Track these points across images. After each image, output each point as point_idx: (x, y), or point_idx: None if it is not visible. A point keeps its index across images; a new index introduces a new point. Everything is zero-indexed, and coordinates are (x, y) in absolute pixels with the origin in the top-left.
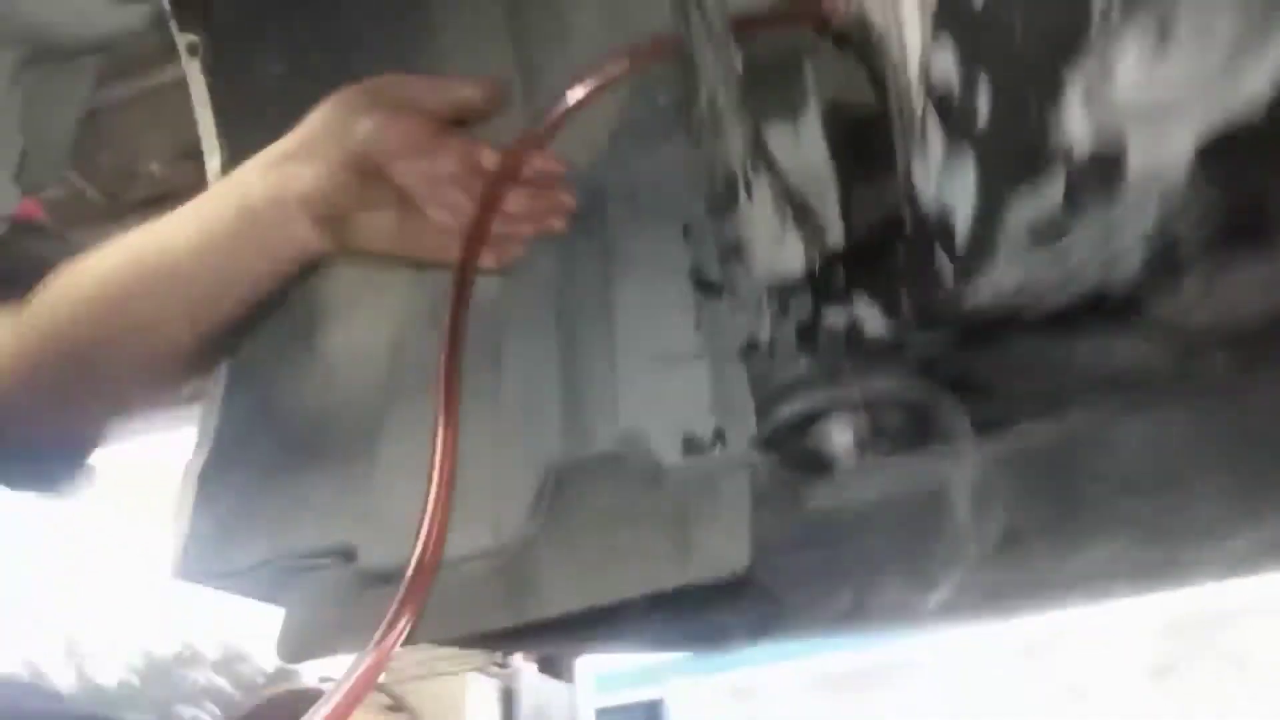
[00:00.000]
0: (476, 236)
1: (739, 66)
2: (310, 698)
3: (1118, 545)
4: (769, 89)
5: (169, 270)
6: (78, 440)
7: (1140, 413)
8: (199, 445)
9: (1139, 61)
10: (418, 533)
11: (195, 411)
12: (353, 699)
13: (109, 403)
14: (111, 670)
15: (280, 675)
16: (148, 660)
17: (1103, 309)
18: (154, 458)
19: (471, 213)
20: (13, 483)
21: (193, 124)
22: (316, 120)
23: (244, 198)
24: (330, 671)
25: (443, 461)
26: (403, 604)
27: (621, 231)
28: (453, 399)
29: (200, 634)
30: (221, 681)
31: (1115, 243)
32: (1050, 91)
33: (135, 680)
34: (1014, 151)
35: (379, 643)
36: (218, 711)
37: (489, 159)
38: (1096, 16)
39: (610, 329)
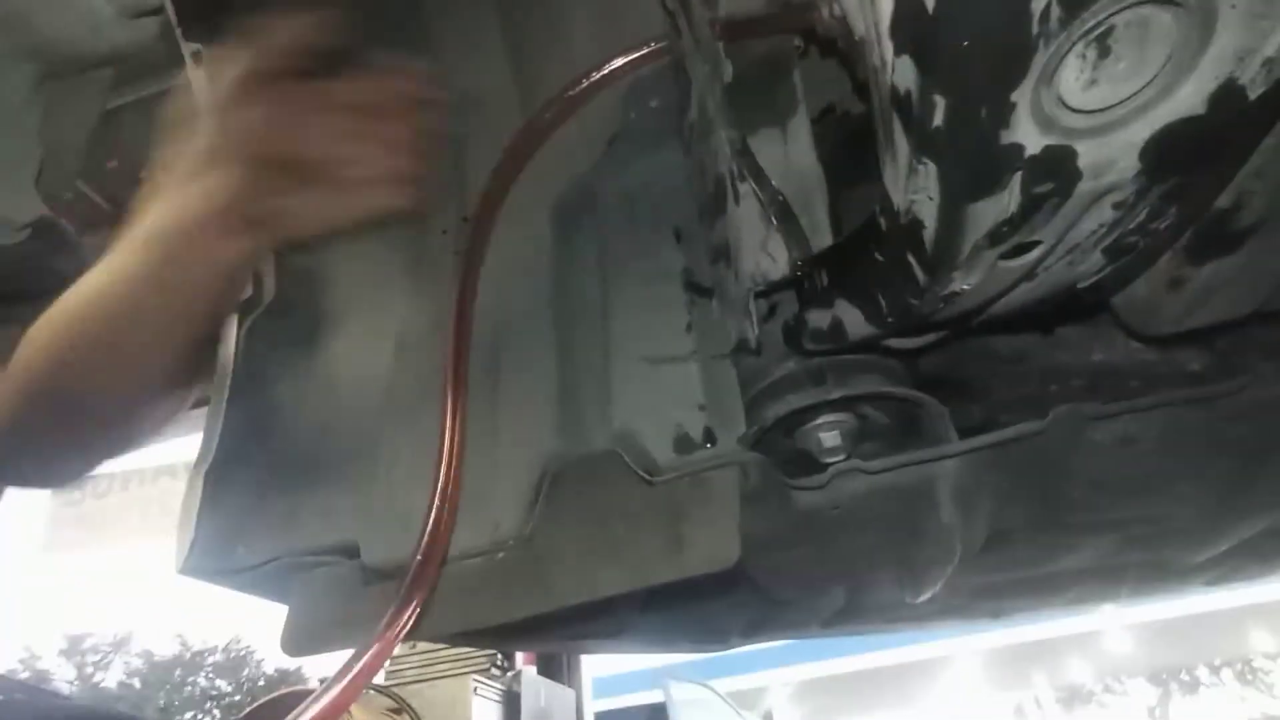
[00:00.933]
0: (478, 240)
1: (727, 75)
2: None
3: (1103, 547)
4: (758, 96)
5: (132, 302)
6: (78, 463)
7: (1118, 415)
8: (205, 446)
9: (1081, 77)
10: (424, 522)
11: (199, 417)
12: (357, 685)
13: (105, 430)
14: (112, 671)
15: (282, 678)
16: (149, 662)
17: (1076, 310)
18: (159, 462)
19: (378, 154)
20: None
21: None
22: (213, 130)
23: (177, 219)
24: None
25: (450, 452)
26: (410, 592)
27: (616, 234)
28: (460, 390)
29: (202, 637)
30: (223, 684)
31: (1075, 240)
32: (1000, 101)
33: (136, 683)
34: (971, 158)
35: (385, 630)
36: (219, 715)
37: (359, 92)
38: (1038, 35)
39: (605, 330)
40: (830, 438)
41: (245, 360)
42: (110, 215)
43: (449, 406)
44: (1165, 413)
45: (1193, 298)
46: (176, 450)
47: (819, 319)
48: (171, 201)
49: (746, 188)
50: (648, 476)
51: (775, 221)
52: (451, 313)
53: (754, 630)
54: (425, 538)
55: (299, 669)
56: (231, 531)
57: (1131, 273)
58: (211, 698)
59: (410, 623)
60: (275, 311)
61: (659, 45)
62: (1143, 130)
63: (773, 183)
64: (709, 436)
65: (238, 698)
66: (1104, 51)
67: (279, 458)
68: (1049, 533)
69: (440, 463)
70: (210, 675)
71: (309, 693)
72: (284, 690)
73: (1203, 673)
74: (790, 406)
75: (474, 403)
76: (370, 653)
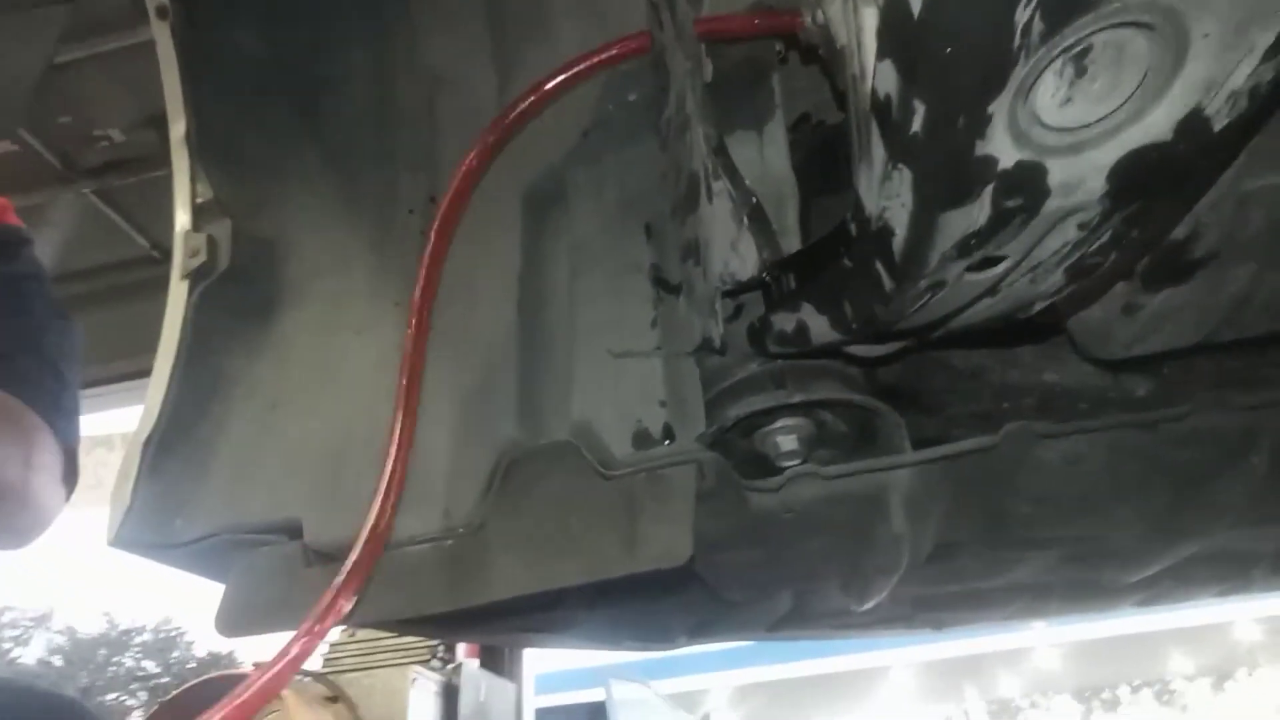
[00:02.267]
0: (445, 225)
1: (707, 73)
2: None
3: (1044, 563)
4: (736, 98)
5: None
6: None
7: (1067, 435)
8: (147, 415)
9: (1057, 94)
10: (369, 508)
11: (138, 388)
12: (287, 672)
13: None
14: (32, 648)
15: (213, 661)
16: (72, 640)
17: (1032, 331)
18: (95, 432)
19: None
20: None
21: (158, 91)
22: None
23: None
24: (268, 655)
25: (401, 438)
26: (349, 578)
27: (586, 226)
28: (416, 378)
29: (131, 616)
30: (151, 665)
31: (1039, 258)
32: (978, 111)
33: (57, 660)
34: (946, 167)
35: (320, 616)
36: (145, 698)
37: None
38: (1019, 47)
39: (570, 321)
40: (788, 441)
41: (195, 329)
42: (58, 173)
43: (402, 394)
44: (1111, 435)
45: (1145, 324)
46: (114, 421)
47: (784, 322)
48: None
49: (720, 186)
50: (604, 470)
51: (747, 221)
52: (414, 295)
53: (701, 631)
54: (370, 523)
55: (231, 652)
56: (170, 504)
57: (1089, 296)
58: (138, 679)
59: (348, 609)
60: (229, 280)
61: (641, 41)
62: (1112, 152)
63: (746, 183)
64: (668, 433)
65: (166, 680)
66: (1081, 70)
67: (225, 431)
68: (994, 547)
69: (390, 449)
70: (138, 655)
71: (239, 677)
72: (214, 674)
73: (1124, 692)
74: (751, 408)
75: (432, 386)
76: (304, 639)
